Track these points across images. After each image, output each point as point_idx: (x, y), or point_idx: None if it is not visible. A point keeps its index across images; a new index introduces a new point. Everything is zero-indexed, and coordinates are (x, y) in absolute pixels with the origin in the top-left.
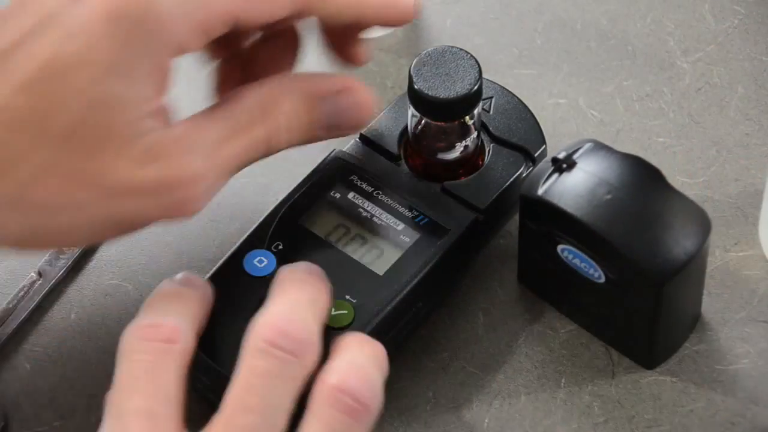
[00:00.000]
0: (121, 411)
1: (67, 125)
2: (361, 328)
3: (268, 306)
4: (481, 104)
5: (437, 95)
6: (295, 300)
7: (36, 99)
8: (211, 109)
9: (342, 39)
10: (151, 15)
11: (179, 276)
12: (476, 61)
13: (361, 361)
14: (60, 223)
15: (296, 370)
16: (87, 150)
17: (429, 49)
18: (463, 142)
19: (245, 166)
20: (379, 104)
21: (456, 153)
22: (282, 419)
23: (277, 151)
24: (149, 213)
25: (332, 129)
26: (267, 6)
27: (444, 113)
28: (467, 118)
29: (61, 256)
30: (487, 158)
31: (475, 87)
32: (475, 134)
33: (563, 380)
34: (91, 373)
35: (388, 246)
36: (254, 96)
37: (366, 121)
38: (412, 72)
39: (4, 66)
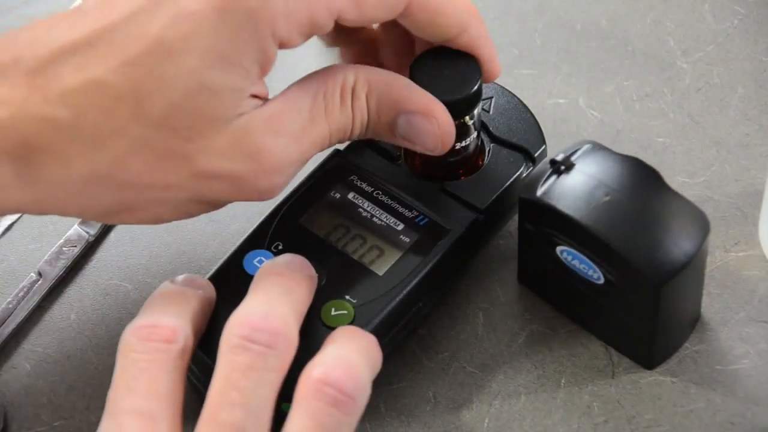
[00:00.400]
0: (117, 410)
1: (165, 108)
2: (360, 328)
3: (243, 303)
4: (481, 104)
5: (437, 96)
6: (268, 294)
7: (137, 78)
8: (302, 88)
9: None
10: (259, 11)
11: (181, 277)
12: (476, 62)
13: (346, 352)
14: (146, 200)
15: (274, 361)
16: (181, 134)
17: (429, 49)
18: (463, 142)
19: (324, 148)
20: None
21: (456, 153)
22: (266, 411)
23: (351, 140)
24: (231, 196)
25: (405, 141)
26: (370, 10)
27: None
28: (467, 118)
29: (61, 256)
30: (487, 158)
31: (475, 87)
32: (474, 134)
33: (563, 380)
34: (91, 373)
35: (388, 246)
36: (344, 81)
37: (438, 151)
38: (412, 72)
39: (108, 42)
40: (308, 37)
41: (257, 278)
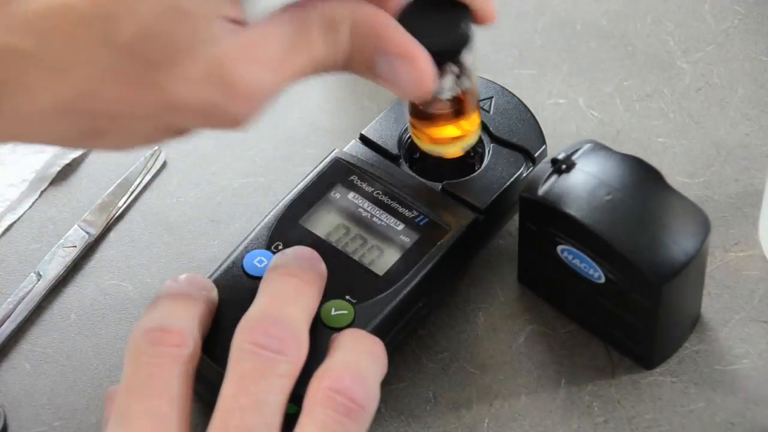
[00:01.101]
0: (127, 413)
1: (136, 32)
2: (360, 329)
3: (253, 305)
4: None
5: (420, 39)
6: (279, 297)
7: (105, 2)
8: (285, 15)
9: None
10: None
11: (184, 277)
12: (467, 9)
13: (355, 358)
14: (115, 128)
15: (285, 367)
16: (151, 61)
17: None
18: (445, 89)
19: (301, 78)
20: (379, 105)
21: (446, 94)
22: (276, 417)
23: (329, 73)
24: (203, 125)
25: (382, 81)
26: None
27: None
28: (452, 65)
29: (61, 256)
30: (487, 158)
31: (459, 32)
32: (466, 80)
33: (563, 380)
34: (91, 373)
35: (388, 246)
36: (330, 13)
37: (414, 96)
38: (400, 14)
39: None
40: None
41: (268, 278)
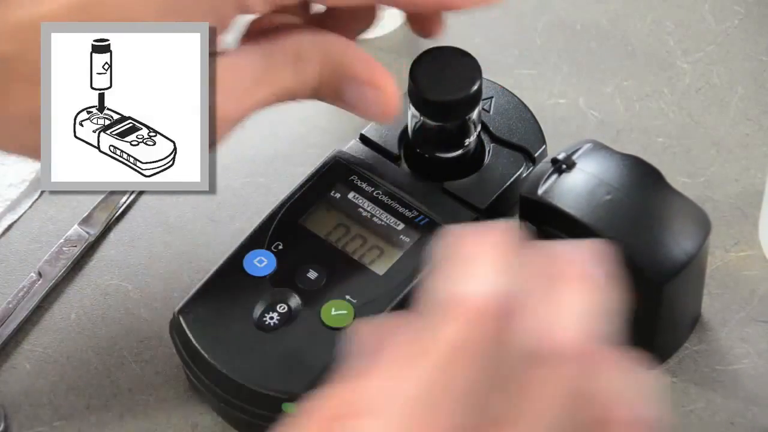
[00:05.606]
0: None
1: None
2: None
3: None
4: (481, 104)
5: (437, 96)
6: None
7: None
8: (254, 47)
9: (420, 15)
10: None
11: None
12: (476, 61)
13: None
14: None
15: None
16: None
17: (429, 48)
18: (464, 141)
19: (266, 107)
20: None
21: (456, 152)
22: None
23: (298, 100)
24: None
25: (350, 108)
26: None
27: (444, 114)
28: (467, 118)
29: (61, 256)
30: (487, 158)
31: (475, 87)
32: (475, 135)
33: None
34: (91, 373)
35: (388, 246)
36: (292, 43)
37: (384, 120)
38: (412, 72)
39: None
40: (271, 5)
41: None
